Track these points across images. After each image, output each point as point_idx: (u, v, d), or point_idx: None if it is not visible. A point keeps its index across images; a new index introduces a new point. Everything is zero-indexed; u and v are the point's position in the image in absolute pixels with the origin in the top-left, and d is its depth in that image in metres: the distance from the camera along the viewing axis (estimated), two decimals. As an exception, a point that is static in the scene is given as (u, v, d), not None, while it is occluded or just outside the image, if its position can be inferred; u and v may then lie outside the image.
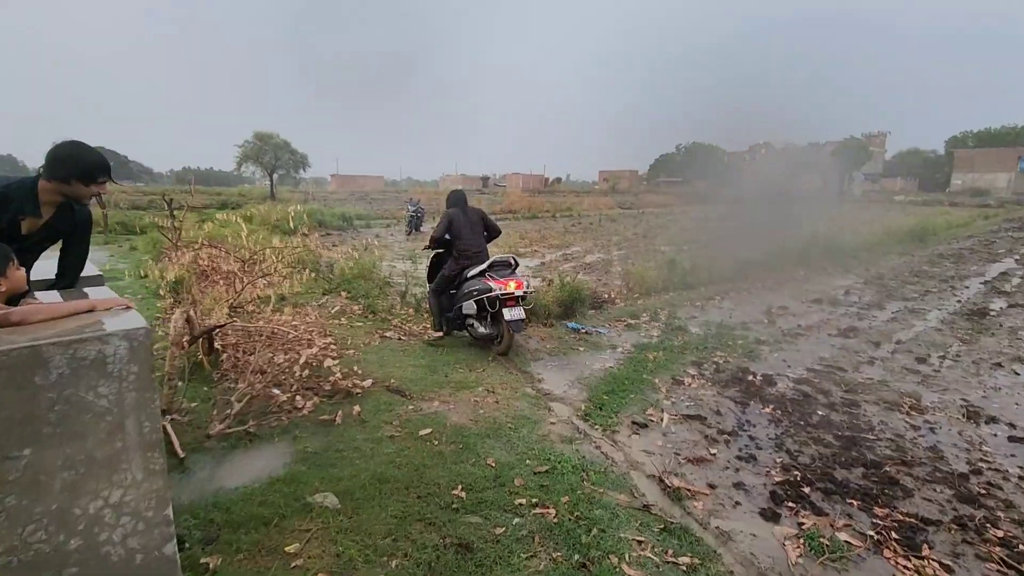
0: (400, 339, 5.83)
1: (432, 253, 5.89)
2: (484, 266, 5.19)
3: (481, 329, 5.17)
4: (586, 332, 6.17)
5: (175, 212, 9.93)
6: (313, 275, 8.82)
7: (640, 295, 8.24)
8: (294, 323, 5.00)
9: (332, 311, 6.96)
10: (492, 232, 5.68)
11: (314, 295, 7.93)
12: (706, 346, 5.79)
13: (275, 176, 44.13)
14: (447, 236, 5.47)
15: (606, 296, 7.91)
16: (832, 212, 19.19)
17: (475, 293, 5.10)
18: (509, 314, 4.89)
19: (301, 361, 4.25)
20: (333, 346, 5.28)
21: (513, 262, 5.33)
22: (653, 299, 8.12)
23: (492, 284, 4.91)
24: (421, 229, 18.99)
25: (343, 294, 7.87)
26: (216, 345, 4.65)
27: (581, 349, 5.63)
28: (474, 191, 52.40)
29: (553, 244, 15.55)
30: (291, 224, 15.50)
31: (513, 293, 4.89)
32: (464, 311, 5.33)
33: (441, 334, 5.71)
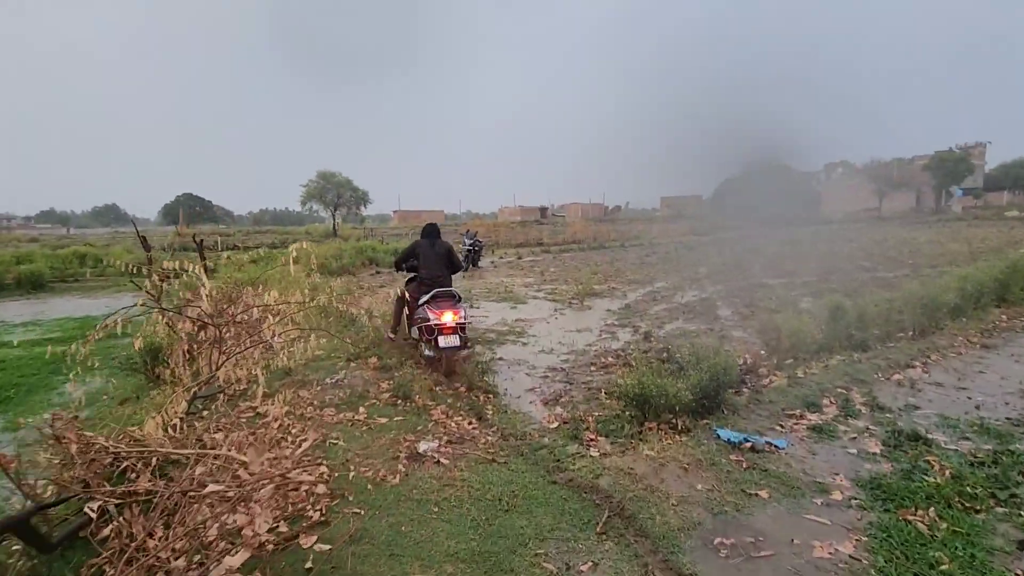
0: (440, 455, 3.56)
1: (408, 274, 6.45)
2: (427, 297, 5.64)
3: (427, 352, 5.45)
4: (751, 446, 3.63)
5: (224, 253, 8.36)
6: (341, 331, 6.83)
7: (791, 358, 5.60)
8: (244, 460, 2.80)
9: (347, 394, 4.84)
10: (455, 266, 6.19)
11: (334, 362, 5.88)
12: (1004, 483, 3.11)
13: (338, 213, 44.28)
14: (414, 262, 6.20)
15: (741, 362, 5.33)
16: (944, 232, 15.50)
17: (418, 320, 5.61)
18: (444, 341, 5.23)
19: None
20: (323, 485, 3.07)
21: (456, 296, 5.71)
22: (814, 365, 5.46)
23: (430, 314, 5.29)
24: (479, 264, 16.99)
25: (372, 361, 5.77)
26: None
27: (762, 495, 3.08)
28: (532, 222, 50.64)
29: (632, 279, 13.01)
30: (333, 263, 13.89)
31: (446, 324, 5.21)
32: (414, 335, 5.98)
33: (392, 337, 6.63)
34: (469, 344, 5.78)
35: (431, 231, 6.18)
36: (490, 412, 4.42)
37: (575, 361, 5.99)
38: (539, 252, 23.38)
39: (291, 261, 4.67)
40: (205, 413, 4.20)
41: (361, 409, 4.47)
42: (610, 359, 5.96)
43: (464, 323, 5.35)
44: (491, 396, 4.82)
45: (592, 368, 5.70)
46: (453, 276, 6.20)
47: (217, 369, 4.32)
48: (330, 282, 10.54)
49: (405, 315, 6.35)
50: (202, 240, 9.37)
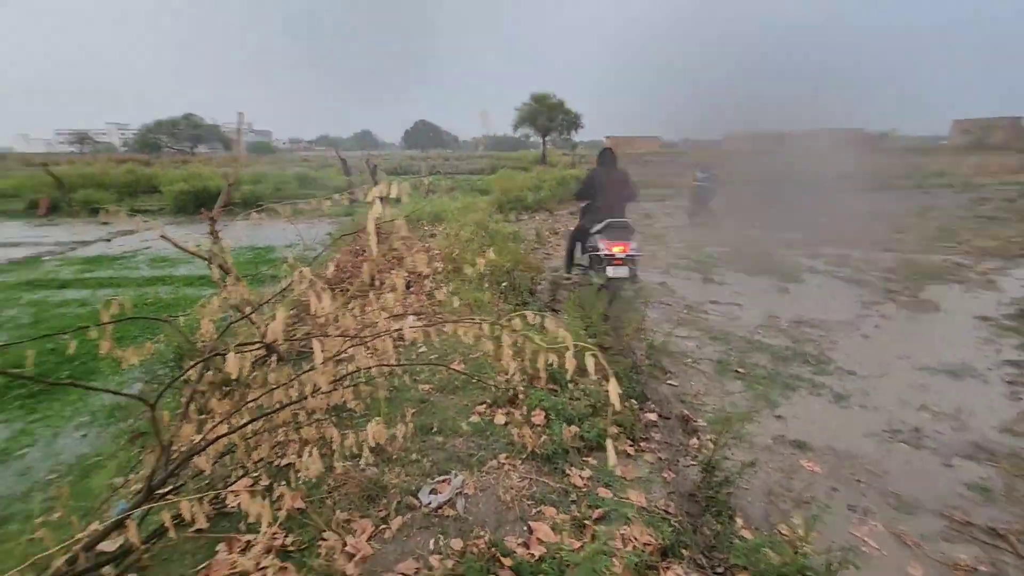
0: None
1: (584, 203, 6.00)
2: (600, 226, 5.36)
3: (594, 279, 5.04)
4: None
5: (426, 178, 6.79)
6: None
7: None
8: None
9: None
10: (630, 195, 5.66)
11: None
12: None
13: (548, 139, 42.46)
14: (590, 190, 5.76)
15: None
16: None
17: (590, 249, 5.47)
18: (612, 271, 5.07)
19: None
20: None
21: (629, 227, 5.32)
22: None
23: (601, 244, 5.18)
24: (711, 206, 13.01)
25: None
26: None
27: None
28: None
29: (982, 246, 7.96)
30: (528, 198, 11.58)
31: (615, 254, 5.06)
32: (583, 262, 5.82)
33: (567, 274, 6.09)
34: (638, 279, 5.46)
35: (607, 158, 5.81)
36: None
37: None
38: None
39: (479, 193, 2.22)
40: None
41: None
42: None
43: (635, 255, 5.19)
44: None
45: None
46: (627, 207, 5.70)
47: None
48: (513, 225, 8.23)
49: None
50: (376, 165, 7.70)
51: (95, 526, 2.16)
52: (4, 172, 21.41)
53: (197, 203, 13.65)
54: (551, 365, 1.99)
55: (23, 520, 2.49)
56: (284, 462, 2.52)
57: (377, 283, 4.73)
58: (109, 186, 15.90)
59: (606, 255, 5.12)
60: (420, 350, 3.95)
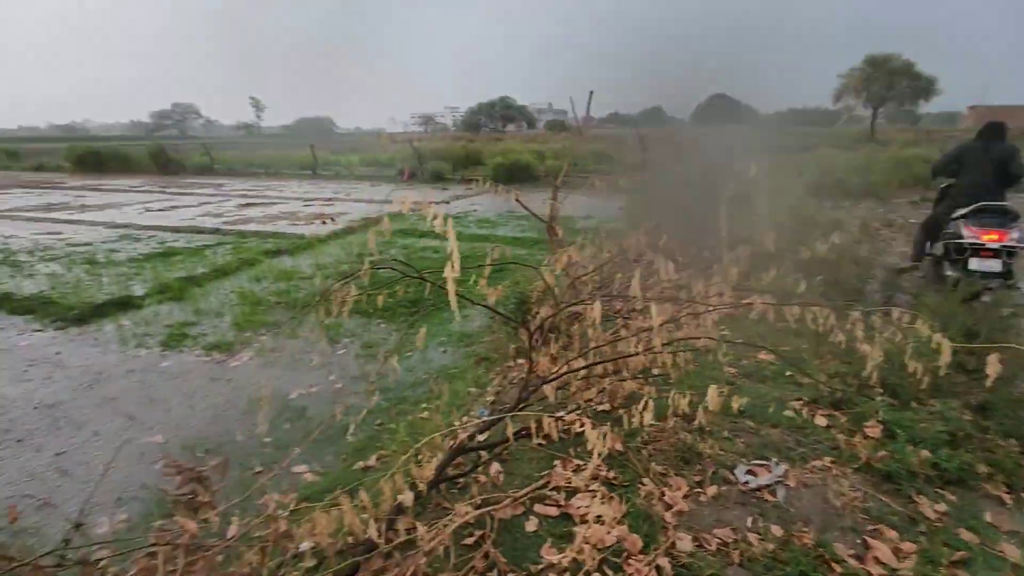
0: None
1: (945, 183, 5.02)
2: (965, 210, 4.43)
3: (947, 271, 4.39)
4: None
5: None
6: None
7: None
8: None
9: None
10: (1011, 177, 4.49)
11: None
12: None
13: (881, 110, 35.14)
14: (955, 167, 4.78)
15: None
16: None
17: (947, 236, 4.55)
18: (977, 263, 4.18)
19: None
20: None
21: (1010, 212, 4.31)
22: None
23: (965, 231, 4.29)
24: None
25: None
26: None
27: None
28: None
29: None
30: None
31: (985, 244, 4.16)
32: (936, 251, 4.82)
33: (913, 265, 5.11)
34: (1016, 280, 4.35)
35: (992, 131, 4.72)
36: None
37: None
38: None
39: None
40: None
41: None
42: None
43: (1016, 247, 4.17)
44: None
45: None
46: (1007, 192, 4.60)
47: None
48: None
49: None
50: (643, 135, 7.65)
51: (468, 420, 2.80)
52: (383, 148, 28.36)
53: (509, 174, 15.79)
54: (888, 370, 1.72)
55: (413, 402, 3.39)
56: (602, 407, 2.82)
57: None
58: (447, 158, 19.60)
59: (971, 244, 4.23)
60: (723, 331, 3.86)
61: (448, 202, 12.50)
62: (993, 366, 1.51)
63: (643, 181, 8.99)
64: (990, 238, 4.18)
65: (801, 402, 2.86)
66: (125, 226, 9.48)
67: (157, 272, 6.32)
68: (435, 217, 1.76)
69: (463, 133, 51.50)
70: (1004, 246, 4.16)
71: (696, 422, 2.42)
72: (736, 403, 2.25)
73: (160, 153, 21.03)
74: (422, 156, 18.39)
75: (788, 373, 3.20)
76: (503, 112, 73.06)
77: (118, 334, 4.57)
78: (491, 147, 21.49)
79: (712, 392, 1.91)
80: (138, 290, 5.66)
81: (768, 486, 2.13)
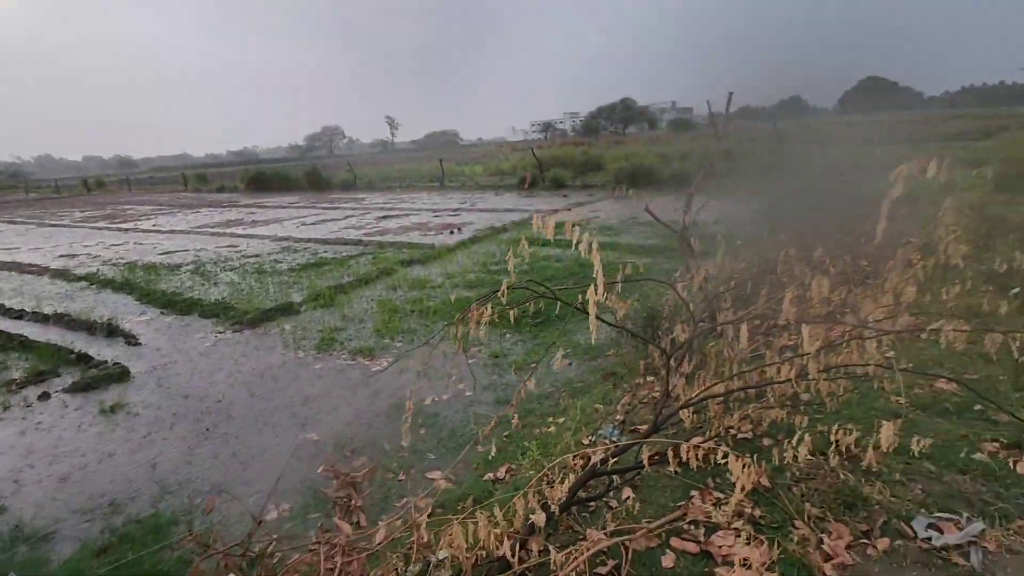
0: None
1: None
2: None
3: None
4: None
5: None
6: None
7: None
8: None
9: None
10: None
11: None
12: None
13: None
14: None
15: None
16: None
17: None
18: None
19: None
20: None
21: None
22: None
23: None
24: None
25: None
26: None
27: None
28: None
29: None
30: None
31: None
32: None
33: None
34: None
35: None
36: None
37: None
38: None
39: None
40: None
41: None
42: None
43: None
44: None
45: None
46: None
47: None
48: None
49: None
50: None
51: (596, 438, 2.75)
52: (505, 157, 29.22)
53: (632, 178, 15.38)
54: None
55: (540, 416, 3.40)
56: (742, 435, 2.60)
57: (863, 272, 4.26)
58: (568, 165, 19.63)
59: None
60: (888, 354, 3.38)
61: (569, 209, 12.51)
62: None
63: (781, 181, 8.23)
64: None
65: (998, 444, 2.39)
66: (285, 239, 10.79)
67: (311, 280, 7.08)
68: (579, 241, 1.74)
69: (582, 138, 51.35)
70: None
71: (864, 463, 2.13)
72: (917, 444, 1.93)
73: (313, 172, 23.68)
74: (542, 163, 18.62)
75: (978, 407, 2.70)
76: (623, 114, 71.68)
77: (282, 337, 5.19)
78: (612, 151, 21.14)
79: (887, 429, 1.66)
80: (296, 297, 6.39)
81: (958, 546, 1.80)
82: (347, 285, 6.75)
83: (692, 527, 2.03)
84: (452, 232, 10.28)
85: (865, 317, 2.27)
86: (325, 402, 3.85)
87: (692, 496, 2.20)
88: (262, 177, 25.31)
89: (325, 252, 9.16)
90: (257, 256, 9.17)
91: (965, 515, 1.94)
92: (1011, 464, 2.26)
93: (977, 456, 2.34)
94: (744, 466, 1.69)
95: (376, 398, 3.86)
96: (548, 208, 12.79)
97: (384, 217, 13.25)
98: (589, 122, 71.49)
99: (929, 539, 1.85)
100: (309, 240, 10.46)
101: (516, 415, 2.40)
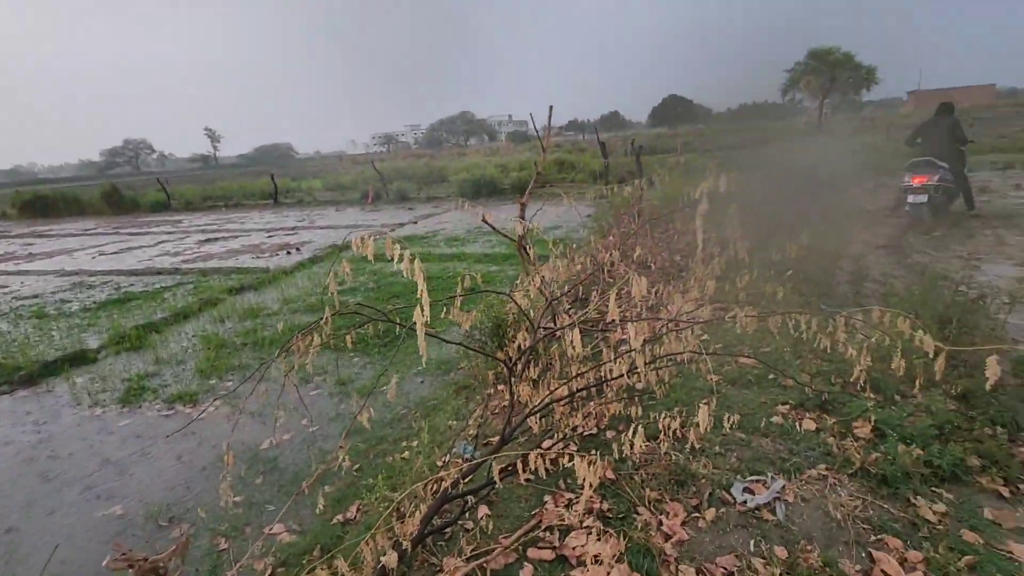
0: None
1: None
2: (909, 163, 6.67)
3: (905, 207, 6.65)
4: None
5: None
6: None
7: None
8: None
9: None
10: (958, 140, 6.72)
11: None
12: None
13: (827, 101, 36.45)
14: (918, 140, 7.09)
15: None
16: None
17: (902, 184, 6.71)
18: (911, 198, 6.50)
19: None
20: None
21: (934, 164, 6.43)
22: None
23: (905, 177, 6.59)
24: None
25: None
26: None
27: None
28: None
29: None
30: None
31: (914, 185, 6.43)
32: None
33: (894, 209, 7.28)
34: (946, 211, 6.65)
35: (942, 109, 6.87)
36: None
37: None
38: None
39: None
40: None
41: None
42: None
43: (936, 184, 6.32)
44: None
45: None
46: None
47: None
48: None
49: None
50: (641, 146, 7.71)
51: (450, 459, 2.66)
52: (345, 170, 28.01)
53: (475, 189, 15.72)
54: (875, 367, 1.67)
55: (392, 441, 3.23)
56: (587, 432, 2.72)
57: (658, 267, 4.72)
58: (411, 177, 19.41)
59: (907, 186, 6.50)
60: (702, 338, 3.82)
61: (416, 222, 12.34)
62: (993, 368, 1.47)
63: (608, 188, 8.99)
64: (918, 181, 6.40)
65: (788, 407, 2.82)
66: (76, 273, 9.04)
67: (113, 321, 5.99)
68: (401, 259, 1.64)
69: (425, 150, 51.34)
70: (926, 185, 6.37)
71: (688, 443, 2.34)
72: (728, 421, 2.17)
73: (112, 191, 20.27)
74: (385, 177, 18.17)
75: (771, 376, 3.16)
76: (464, 127, 73.25)
77: (72, 394, 4.29)
78: (455, 163, 21.41)
79: (703, 411, 1.83)
80: (92, 342, 5.34)
81: (767, 504, 2.06)
82: (160, 322, 5.83)
83: (547, 533, 2.05)
84: (289, 252, 9.51)
85: (679, 309, 2.52)
86: (134, 465, 3.24)
87: (546, 502, 2.23)
88: (42, 200, 20.94)
89: (131, 285, 7.84)
90: (35, 297, 7.53)
91: (770, 474, 2.23)
92: (798, 422, 2.68)
93: (774, 419, 2.72)
94: (589, 464, 1.74)
95: (200, 450, 3.35)
96: (394, 222, 12.48)
97: (207, 240, 11.79)
98: (431, 134, 71.86)
99: (745, 502, 2.09)
100: (110, 272, 8.88)
101: (346, 457, 2.22)
